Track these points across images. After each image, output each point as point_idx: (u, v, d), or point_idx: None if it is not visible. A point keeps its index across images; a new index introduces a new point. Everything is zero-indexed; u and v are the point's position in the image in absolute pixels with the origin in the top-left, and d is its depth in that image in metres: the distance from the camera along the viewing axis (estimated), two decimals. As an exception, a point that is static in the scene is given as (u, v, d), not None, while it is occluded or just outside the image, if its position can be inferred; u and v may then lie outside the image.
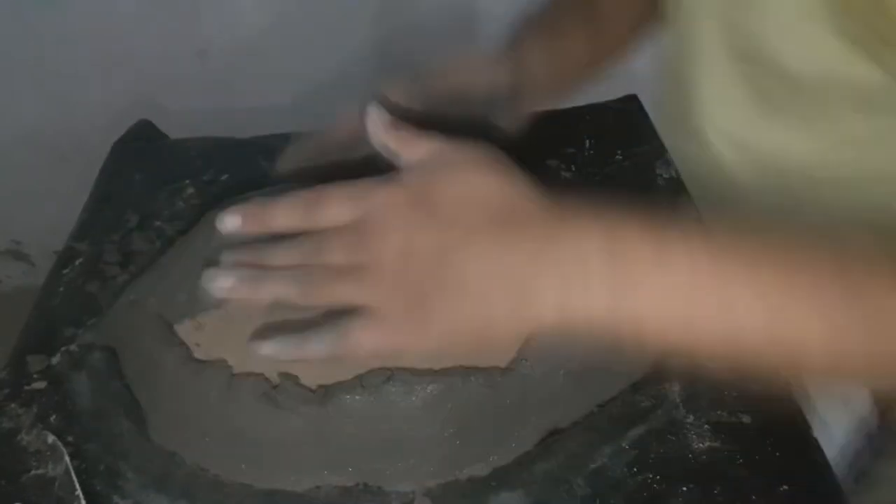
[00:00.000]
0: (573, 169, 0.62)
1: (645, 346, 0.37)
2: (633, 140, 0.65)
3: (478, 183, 0.35)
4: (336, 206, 0.36)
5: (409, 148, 0.37)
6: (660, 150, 0.64)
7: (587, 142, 0.65)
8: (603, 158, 0.63)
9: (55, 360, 0.49)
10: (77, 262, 0.57)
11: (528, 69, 0.50)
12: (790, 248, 0.34)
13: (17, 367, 0.49)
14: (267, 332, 0.38)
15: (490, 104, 0.49)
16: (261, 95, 1.15)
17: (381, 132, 0.38)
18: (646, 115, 0.68)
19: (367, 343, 0.34)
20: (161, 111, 0.77)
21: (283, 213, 0.37)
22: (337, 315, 0.36)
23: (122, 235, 0.58)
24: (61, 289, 0.55)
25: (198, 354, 0.44)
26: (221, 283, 0.37)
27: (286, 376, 0.42)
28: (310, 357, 0.36)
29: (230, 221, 0.38)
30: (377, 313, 0.34)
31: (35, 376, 0.48)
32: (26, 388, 0.48)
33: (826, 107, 0.48)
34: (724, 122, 0.57)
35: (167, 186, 0.63)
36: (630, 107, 0.69)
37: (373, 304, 0.34)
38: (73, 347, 0.50)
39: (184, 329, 0.46)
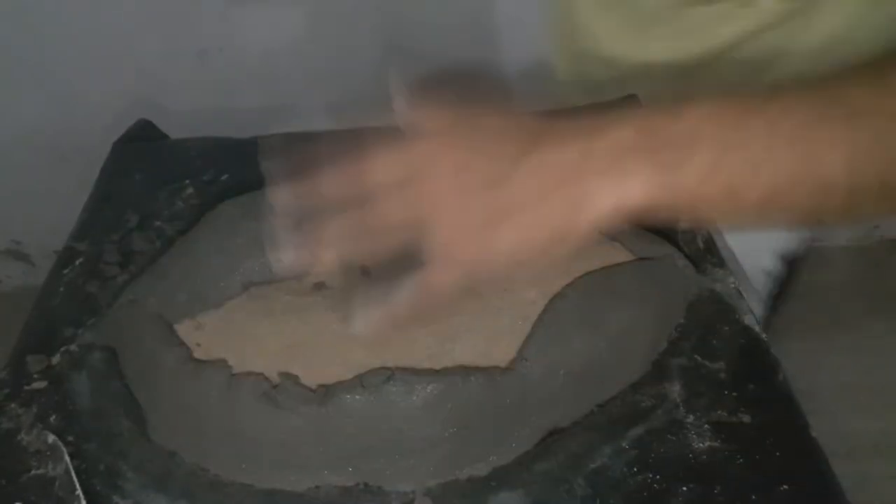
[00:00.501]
0: (573, 169, 0.62)
1: (697, 218, 0.41)
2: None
3: (506, 120, 0.38)
4: (381, 168, 0.38)
5: (433, 118, 0.40)
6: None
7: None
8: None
9: (55, 360, 0.49)
10: (77, 262, 0.57)
11: None
12: (790, 93, 0.35)
13: (17, 367, 0.49)
14: (351, 307, 0.39)
15: None
16: (261, 95, 1.15)
17: (406, 109, 0.40)
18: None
19: (444, 285, 0.37)
20: (161, 111, 0.77)
21: (332, 184, 0.39)
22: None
23: (122, 235, 0.58)
24: (61, 289, 0.55)
25: (198, 354, 0.44)
26: (285, 252, 0.38)
27: (286, 376, 0.42)
28: (398, 313, 0.37)
29: (279, 196, 0.39)
30: (444, 252, 0.36)
31: (35, 376, 0.48)
32: (26, 388, 0.48)
33: (682, 24, 0.62)
34: (607, 45, 0.69)
35: (167, 186, 0.63)
36: (630, 107, 0.69)
37: (437, 245, 0.36)
38: (73, 347, 0.50)
39: (184, 329, 0.46)
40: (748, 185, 0.34)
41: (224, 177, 0.64)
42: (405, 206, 0.37)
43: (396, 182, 0.37)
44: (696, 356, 0.46)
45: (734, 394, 0.44)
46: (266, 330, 0.45)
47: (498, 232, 0.36)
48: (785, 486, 0.40)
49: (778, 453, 0.41)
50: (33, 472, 0.43)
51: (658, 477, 0.41)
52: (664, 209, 0.35)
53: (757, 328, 0.48)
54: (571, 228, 0.36)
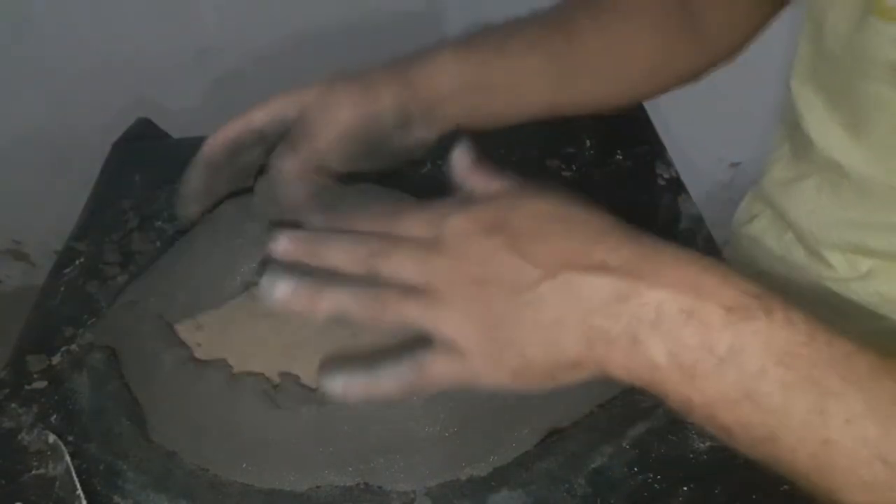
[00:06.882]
0: (573, 169, 0.62)
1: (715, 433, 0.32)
2: (633, 140, 0.65)
3: (558, 214, 0.33)
4: (411, 221, 0.35)
5: (486, 184, 0.37)
6: (660, 150, 0.64)
7: (587, 142, 0.65)
8: (603, 158, 0.63)
9: (55, 360, 0.49)
10: (77, 262, 0.57)
11: (429, 84, 0.46)
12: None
13: (17, 367, 0.49)
14: (334, 362, 0.35)
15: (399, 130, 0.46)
16: (261, 95, 1.15)
17: (464, 170, 0.37)
18: (646, 115, 0.68)
19: (441, 378, 0.33)
20: (161, 111, 0.77)
21: (363, 223, 0.36)
22: (400, 346, 0.34)
23: (122, 235, 0.58)
24: (61, 289, 0.55)
25: (198, 354, 0.44)
26: (280, 292, 0.34)
27: (286, 376, 0.42)
28: (381, 392, 0.34)
29: (281, 245, 0.36)
30: (449, 343, 0.33)
31: (35, 376, 0.48)
32: (26, 387, 0.48)
33: None
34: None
35: (167, 186, 0.63)
36: (630, 107, 0.69)
37: (444, 333, 0.33)
38: (73, 347, 0.50)
39: (184, 329, 0.46)
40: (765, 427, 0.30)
41: (224, 177, 0.64)
42: (417, 267, 0.33)
43: (418, 241, 0.34)
44: (696, 356, 0.46)
45: (734, 394, 0.44)
46: (266, 330, 0.45)
47: (505, 346, 0.32)
48: (785, 486, 0.40)
49: (778, 453, 0.41)
50: (33, 471, 0.43)
51: (658, 477, 0.41)
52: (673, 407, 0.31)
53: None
54: (574, 374, 0.33)
